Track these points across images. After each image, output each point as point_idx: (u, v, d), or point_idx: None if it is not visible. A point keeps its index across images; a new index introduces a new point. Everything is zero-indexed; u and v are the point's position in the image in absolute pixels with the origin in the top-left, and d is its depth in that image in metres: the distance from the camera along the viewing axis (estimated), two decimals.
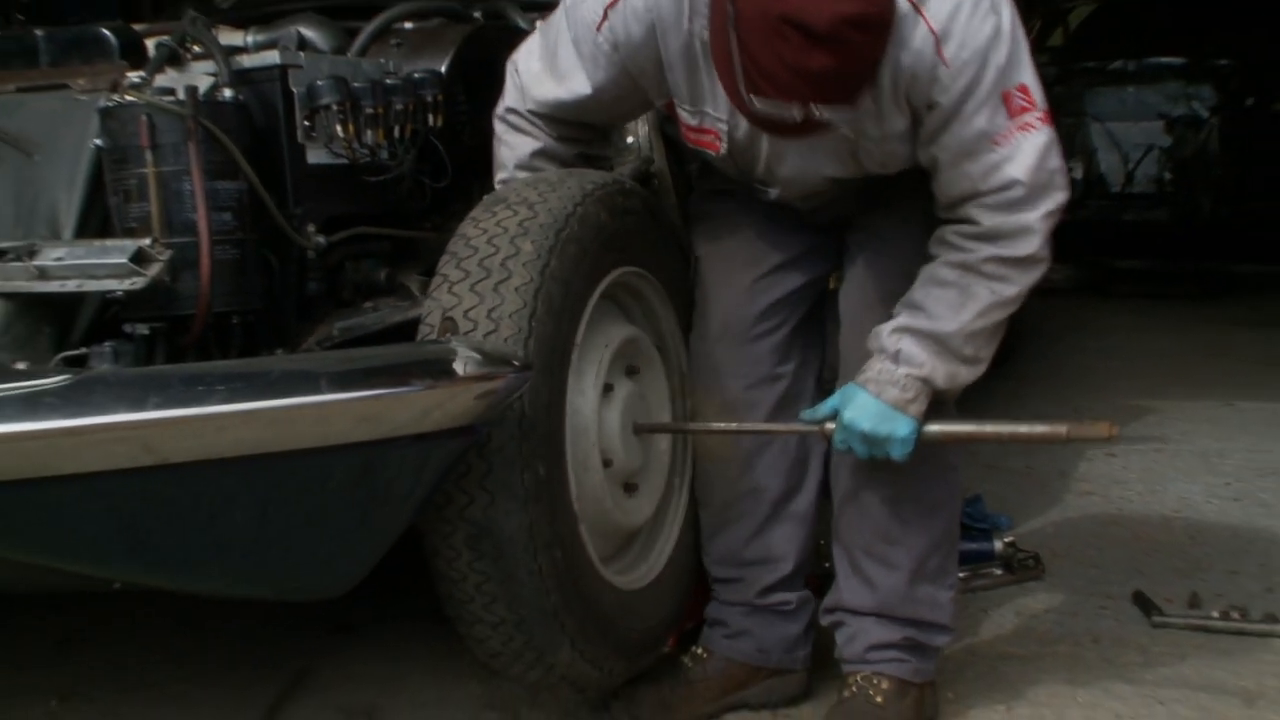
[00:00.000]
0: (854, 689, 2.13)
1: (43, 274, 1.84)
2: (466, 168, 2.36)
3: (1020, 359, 5.04)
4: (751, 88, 1.76)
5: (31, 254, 1.86)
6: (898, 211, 2.13)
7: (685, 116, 2.08)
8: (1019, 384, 4.68)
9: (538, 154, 2.15)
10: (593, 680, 2.05)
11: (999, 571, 2.85)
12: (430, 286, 1.92)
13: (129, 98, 1.93)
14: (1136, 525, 3.21)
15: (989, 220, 1.91)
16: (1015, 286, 1.95)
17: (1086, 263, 7.48)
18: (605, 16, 2.00)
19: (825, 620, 2.22)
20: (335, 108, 1.99)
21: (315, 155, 2.03)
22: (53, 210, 2.00)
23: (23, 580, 1.87)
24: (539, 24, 2.48)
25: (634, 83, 2.06)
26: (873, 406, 1.96)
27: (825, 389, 2.23)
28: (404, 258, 2.25)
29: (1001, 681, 2.36)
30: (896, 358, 1.96)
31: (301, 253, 2.04)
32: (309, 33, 2.30)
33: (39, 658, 2.56)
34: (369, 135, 2.03)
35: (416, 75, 2.12)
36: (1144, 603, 2.68)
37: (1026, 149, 1.87)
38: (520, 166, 2.16)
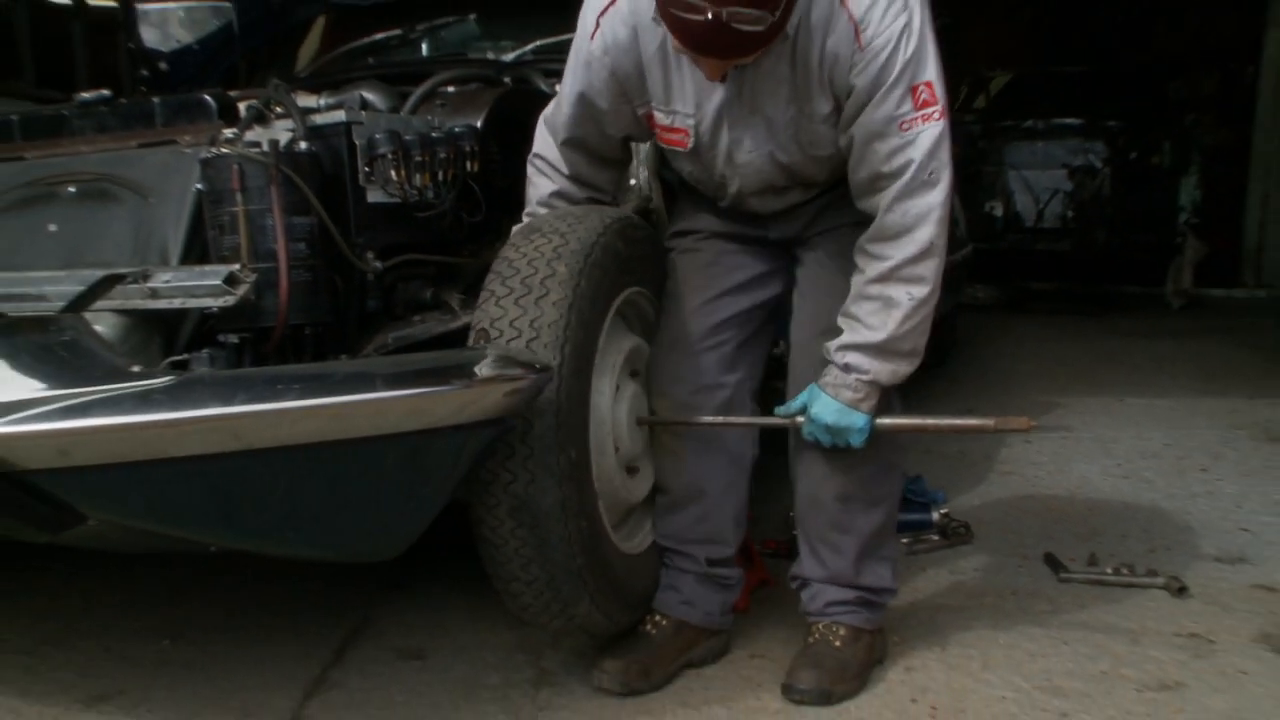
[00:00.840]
0: (817, 636, 2.14)
1: (154, 294, 1.84)
2: (498, 205, 2.36)
3: (953, 364, 5.07)
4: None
5: (146, 277, 1.86)
6: (837, 242, 2.11)
7: (660, 118, 2.06)
8: (951, 384, 4.70)
9: (554, 194, 2.18)
10: (603, 628, 2.06)
11: (935, 538, 2.85)
12: (479, 299, 1.92)
13: (224, 150, 1.93)
14: (1046, 499, 3.21)
15: (894, 211, 1.90)
16: (926, 285, 1.93)
17: (1006, 284, 7.70)
18: (598, 25, 2.00)
19: (793, 584, 2.22)
20: (390, 156, 1.99)
21: (374, 195, 2.03)
22: (163, 242, 2.00)
23: (139, 542, 1.88)
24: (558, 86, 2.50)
25: (620, 88, 2.04)
26: (832, 405, 1.98)
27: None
28: (446, 279, 2.25)
29: (937, 628, 2.35)
30: (846, 369, 1.97)
31: (362, 275, 2.04)
32: (369, 95, 2.30)
33: (154, 605, 2.56)
34: (417, 178, 2.03)
35: (456, 129, 2.12)
36: (1052, 562, 2.67)
37: (926, 137, 1.86)
38: (541, 204, 2.19)
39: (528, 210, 2.21)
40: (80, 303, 1.81)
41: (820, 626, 2.15)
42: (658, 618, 2.21)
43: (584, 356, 1.93)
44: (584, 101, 2.07)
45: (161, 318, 1.90)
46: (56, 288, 1.92)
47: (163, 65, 3.21)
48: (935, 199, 1.89)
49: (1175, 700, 2.04)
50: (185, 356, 1.86)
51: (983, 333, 5.95)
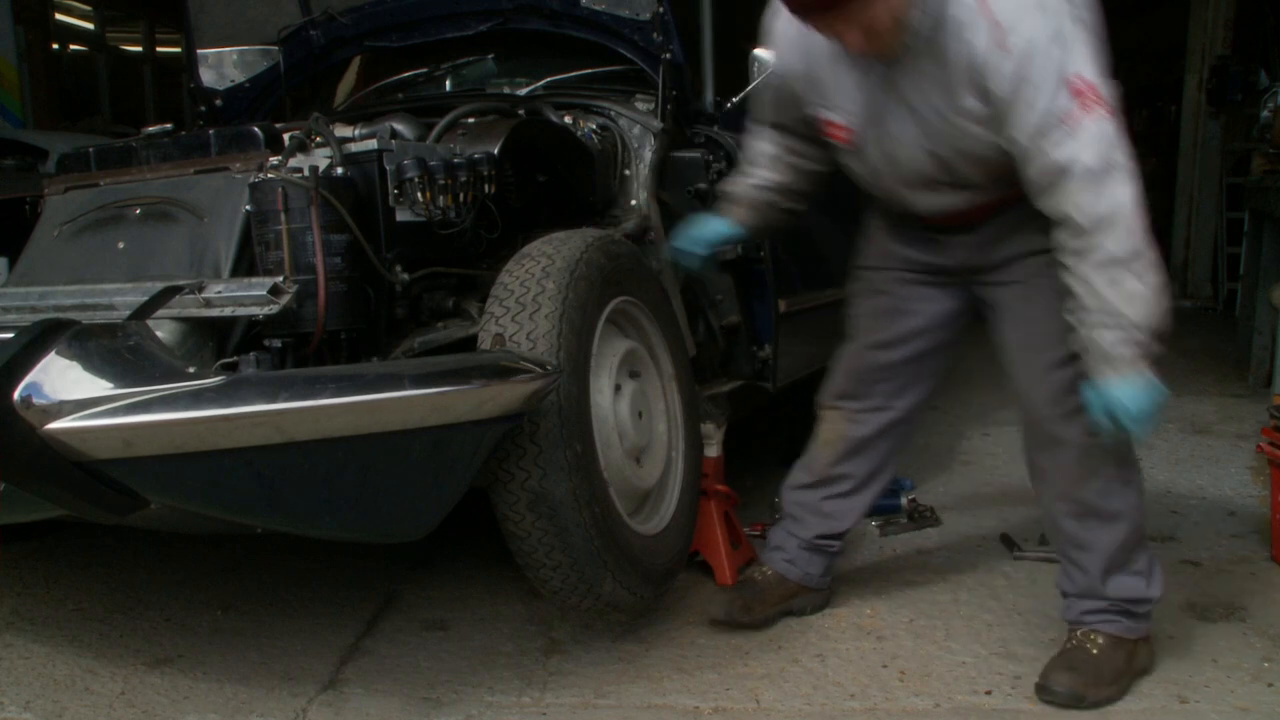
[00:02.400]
0: (1074, 642, 1.95)
1: (208, 303, 1.84)
2: (513, 223, 2.34)
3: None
4: None
5: (201, 289, 1.86)
6: (1026, 269, 1.89)
7: (824, 115, 1.92)
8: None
9: (764, 154, 2.14)
10: (628, 604, 2.03)
11: (905, 521, 2.82)
12: (483, 319, 1.92)
13: (270, 175, 1.92)
14: (1003, 486, 3.18)
15: (1083, 211, 1.64)
16: (1150, 270, 1.66)
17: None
18: (776, 29, 1.94)
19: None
20: (417, 180, 1.97)
21: (402, 215, 2.01)
22: (216, 257, 1.99)
23: (194, 525, 1.88)
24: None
25: (793, 87, 1.96)
26: (1117, 382, 1.69)
27: None
28: (466, 290, 2.23)
29: (907, 600, 2.34)
30: (1111, 345, 1.69)
31: (391, 286, 2.02)
32: (399, 126, 2.29)
33: (208, 579, 2.55)
34: (441, 200, 2.01)
35: (476, 156, 2.10)
36: (1008, 542, 2.65)
37: (1092, 133, 1.63)
38: (753, 165, 2.16)
39: (740, 170, 2.22)
40: (144, 311, 1.79)
41: (1078, 633, 1.96)
42: (765, 568, 2.25)
43: (579, 360, 1.91)
44: (776, 90, 2.04)
45: (214, 324, 1.89)
46: (123, 298, 1.93)
47: (218, 102, 3.20)
48: (1122, 192, 1.64)
49: None
50: (234, 359, 1.84)
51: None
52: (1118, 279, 1.66)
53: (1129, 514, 1.91)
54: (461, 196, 2.05)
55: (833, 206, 2.58)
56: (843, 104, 1.88)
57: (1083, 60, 1.65)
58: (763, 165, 2.14)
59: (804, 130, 2.05)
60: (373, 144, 2.01)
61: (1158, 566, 1.97)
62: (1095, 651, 1.92)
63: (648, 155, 2.58)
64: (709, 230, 2.19)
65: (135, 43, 10.35)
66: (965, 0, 1.66)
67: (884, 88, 1.80)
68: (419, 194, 1.98)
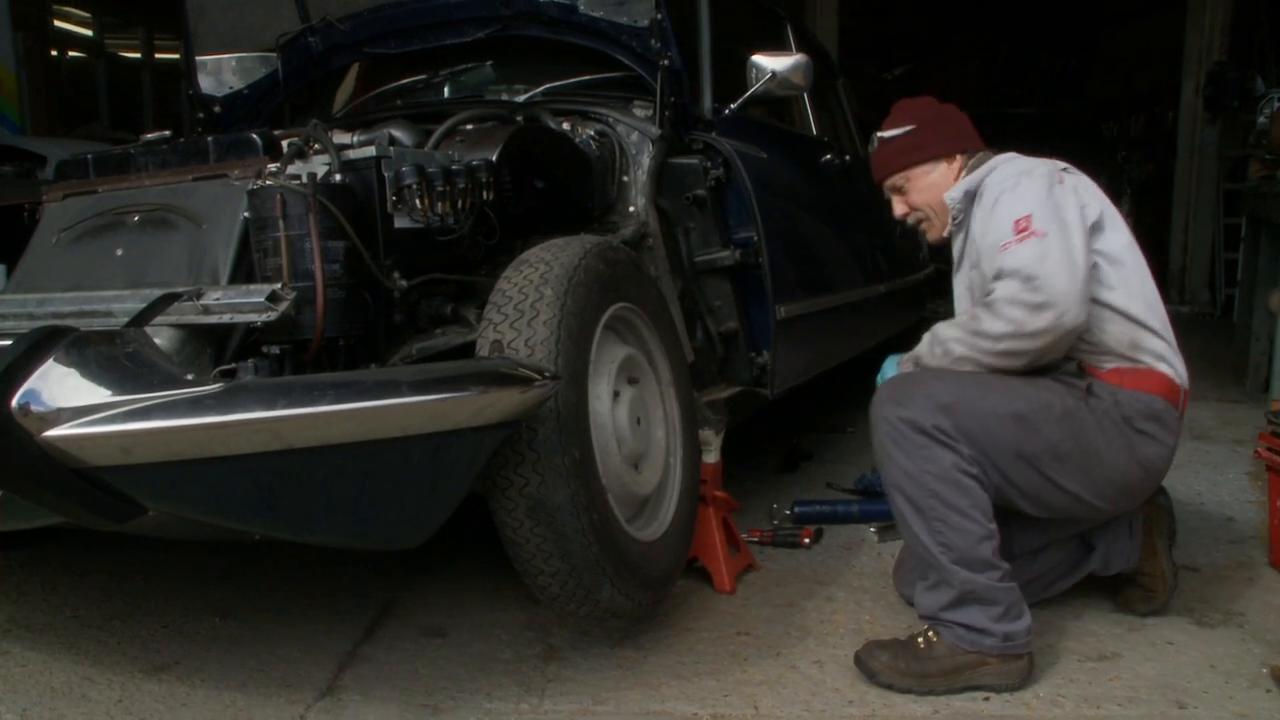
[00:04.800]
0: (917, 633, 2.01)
1: (206, 310, 1.84)
2: (511, 229, 2.34)
3: None
4: None
5: (199, 295, 1.86)
6: None
7: None
8: None
9: None
10: (627, 610, 2.02)
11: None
12: (481, 326, 1.92)
13: (268, 182, 1.92)
14: None
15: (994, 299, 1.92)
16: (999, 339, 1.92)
17: None
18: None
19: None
20: (415, 187, 1.97)
21: (400, 221, 2.01)
22: (214, 264, 1.99)
23: (193, 531, 1.86)
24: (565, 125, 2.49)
25: None
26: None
27: None
28: (465, 296, 2.23)
29: (905, 606, 2.33)
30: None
31: (389, 293, 2.02)
32: (397, 133, 2.29)
33: (206, 586, 2.54)
34: (439, 206, 2.01)
35: (474, 162, 2.11)
36: None
37: (1024, 251, 1.89)
38: None
39: None
40: (142, 318, 1.80)
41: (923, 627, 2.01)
42: None
43: (577, 366, 1.91)
44: None
45: (212, 331, 1.89)
46: (122, 305, 1.92)
47: (217, 109, 3.21)
48: (1027, 296, 1.86)
49: (1112, 669, 2.03)
50: (233, 366, 1.84)
51: None
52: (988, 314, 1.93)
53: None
54: (460, 203, 2.05)
55: (831, 213, 2.59)
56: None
57: (1032, 198, 1.96)
58: None
59: None
60: (371, 151, 2.02)
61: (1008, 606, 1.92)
62: (923, 645, 1.94)
63: (646, 162, 2.58)
64: None
65: (134, 49, 10.36)
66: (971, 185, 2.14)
67: (956, 251, 2.26)
68: (417, 200, 1.98)
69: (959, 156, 2.19)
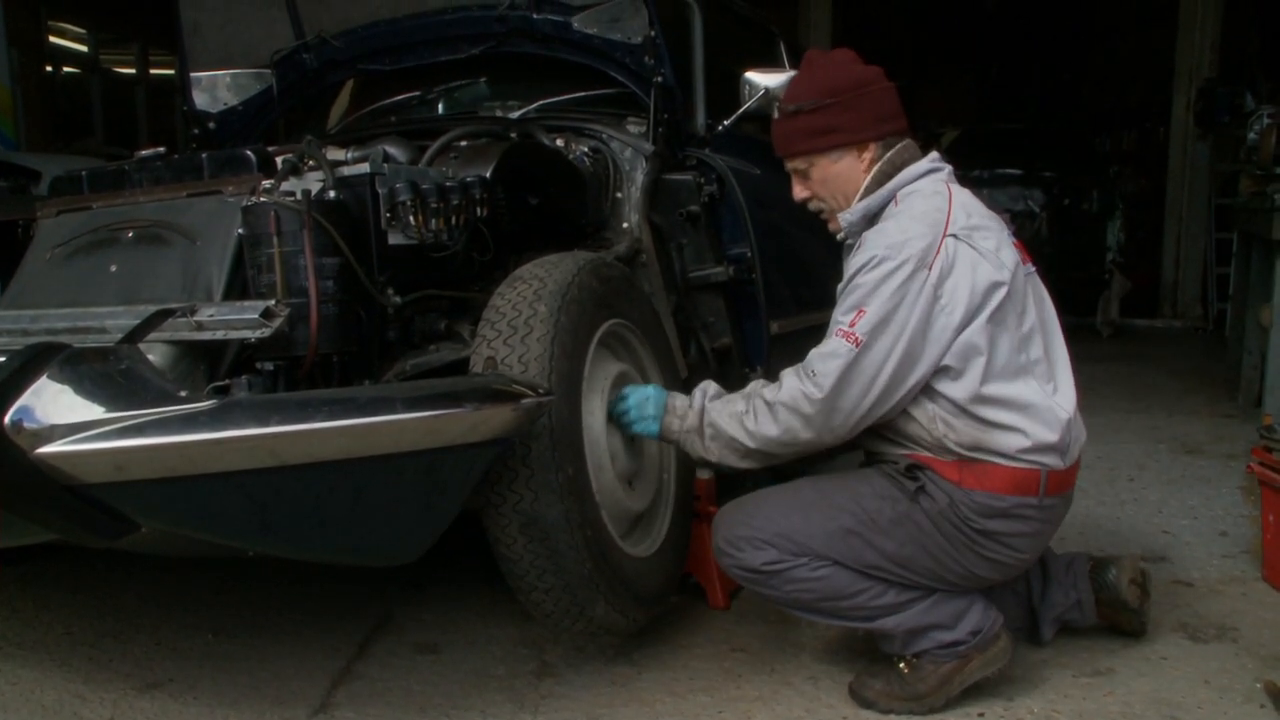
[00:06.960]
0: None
1: (200, 327, 1.83)
2: (505, 246, 2.35)
3: None
4: None
5: (193, 312, 1.85)
6: None
7: None
8: None
9: None
10: (621, 626, 2.02)
11: None
12: (474, 342, 1.92)
13: (262, 199, 1.93)
14: None
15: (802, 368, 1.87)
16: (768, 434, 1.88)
17: None
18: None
19: None
20: (409, 203, 1.98)
21: (394, 238, 2.02)
22: (208, 280, 1.99)
23: (186, 548, 1.87)
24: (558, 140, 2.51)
25: None
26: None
27: None
28: (458, 312, 2.24)
29: None
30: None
31: (383, 309, 2.02)
32: (391, 149, 2.30)
33: (198, 603, 2.54)
34: (433, 223, 2.02)
35: (468, 179, 2.11)
36: None
37: (835, 346, 1.80)
38: None
39: None
40: (135, 335, 1.79)
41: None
42: None
43: (571, 383, 1.91)
44: None
45: (206, 348, 1.89)
46: (115, 321, 1.92)
47: (211, 125, 3.22)
48: (808, 389, 1.81)
49: (1106, 684, 2.03)
50: (227, 382, 1.84)
51: None
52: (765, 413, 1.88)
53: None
54: (454, 219, 2.06)
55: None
56: None
57: (878, 299, 1.79)
58: None
59: None
60: (365, 167, 2.02)
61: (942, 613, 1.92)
62: (907, 671, 1.94)
63: (639, 178, 2.59)
64: None
65: (129, 65, 10.39)
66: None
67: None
68: (411, 217, 1.98)
69: (872, 146, 1.94)
